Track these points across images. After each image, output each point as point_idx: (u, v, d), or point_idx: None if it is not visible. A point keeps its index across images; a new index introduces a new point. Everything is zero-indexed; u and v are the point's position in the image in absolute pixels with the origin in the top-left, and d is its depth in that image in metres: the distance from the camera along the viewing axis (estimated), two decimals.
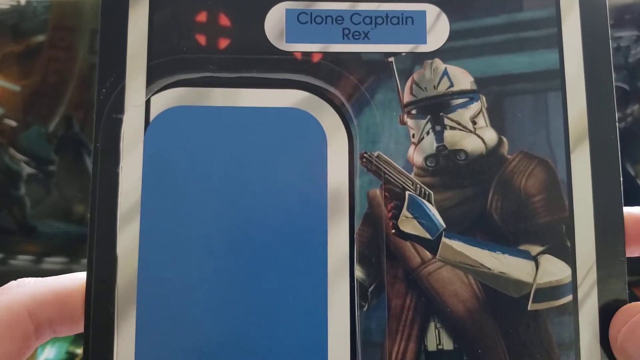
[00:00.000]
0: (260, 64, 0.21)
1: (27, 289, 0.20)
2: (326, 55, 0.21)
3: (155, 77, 0.21)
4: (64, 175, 0.55)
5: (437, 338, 0.20)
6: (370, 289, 0.20)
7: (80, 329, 0.20)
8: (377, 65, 0.21)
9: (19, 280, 0.21)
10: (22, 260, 0.54)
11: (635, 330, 0.19)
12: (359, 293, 0.20)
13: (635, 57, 0.53)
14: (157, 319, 0.20)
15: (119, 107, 0.21)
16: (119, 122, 0.21)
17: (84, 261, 0.54)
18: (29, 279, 0.21)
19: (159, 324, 0.20)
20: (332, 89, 0.21)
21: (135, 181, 0.21)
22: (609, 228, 0.20)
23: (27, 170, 0.54)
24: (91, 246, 0.20)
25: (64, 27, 0.54)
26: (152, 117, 0.21)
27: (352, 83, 0.21)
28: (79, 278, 0.20)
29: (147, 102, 0.21)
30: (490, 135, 0.21)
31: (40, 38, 0.54)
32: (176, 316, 0.20)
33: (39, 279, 0.20)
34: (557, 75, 0.21)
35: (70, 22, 0.54)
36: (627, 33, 0.54)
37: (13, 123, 0.53)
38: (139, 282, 0.20)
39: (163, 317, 0.20)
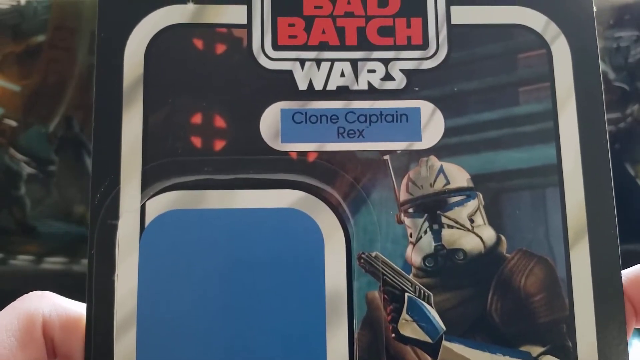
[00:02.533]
0: (256, 164, 0.21)
1: (46, 301, 0.20)
2: (321, 154, 0.21)
3: (150, 180, 0.21)
4: (64, 176, 0.54)
5: None
6: None
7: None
8: (373, 164, 0.21)
9: (44, 292, 0.21)
10: (22, 260, 0.54)
11: None
12: None
13: (635, 57, 0.53)
14: None
15: (114, 213, 0.21)
16: (113, 228, 0.21)
17: (84, 261, 0.54)
18: (52, 294, 0.21)
19: None
20: (328, 188, 0.21)
21: (131, 288, 0.20)
22: (611, 326, 0.20)
23: (27, 170, 0.54)
24: (87, 357, 0.20)
25: (64, 28, 0.54)
26: (147, 221, 0.21)
27: (348, 182, 0.21)
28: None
29: (142, 207, 0.21)
30: (489, 234, 0.21)
31: (41, 38, 0.54)
32: None
33: (61, 297, 0.21)
34: (555, 170, 0.21)
35: (70, 22, 0.54)
36: (627, 33, 0.54)
37: (13, 123, 0.53)
38: None
39: None
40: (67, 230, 0.54)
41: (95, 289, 0.20)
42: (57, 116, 0.53)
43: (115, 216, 0.21)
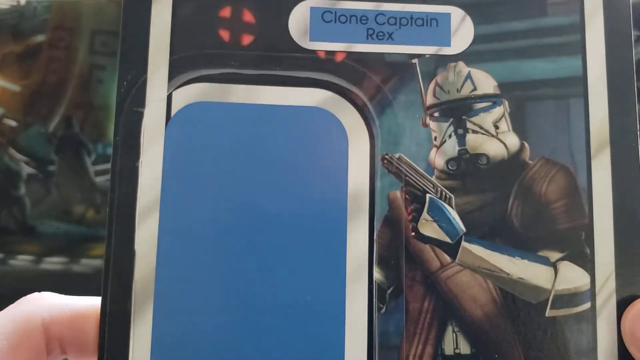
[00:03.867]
0: (283, 61, 0.21)
1: (45, 302, 0.20)
2: (349, 54, 0.21)
3: (177, 71, 0.21)
4: (64, 175, 0.55)
5: (454, 342, 0.20)
6: (388, 292, 0.20)
7: (89, 356, 0.20)
8: (400, 67, 0.21)
9: (42, 293, 0.20)
10: (22, 260, 0.54)
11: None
12: (377, 295, 0.20)
13: (635, 56, 0.53)
14: (174, 316, 0.20)
15: (140, 101, 0.21)
16: (139, 116, 0.20)
17: (84, 261, 0.54)
18: (51, 293, 0.21)
19: (176, 320, 0.20)
20: (354, 89, 0.21)
21: (155, 176, 0.20)
22: (629, 236, 0.20)
23: (27, 170, 0.54)
24: (109, 240, 0.20)
25: (64, 27, 0.54)
26: (173, 111, 0.21)
27: (374, 84, 0.21)
28: (97, 304, 0.20)
29: (169, 97, 0.21)
30: (512, 141, 0.21)
31: (40, 38, 0.54)
32: (193, 313, 0.20)
33: (61, 295, 0.20)
34: (580, 82, 0.21)
35: (70, 22, 0.54)
36: None
37: (13, 123, 0.53)
38: (156, 278, 0.20)
39: (180, 313, 0.20)
40: (67, 230, 0.55)
41: (119, 174, 0.20)
42: (57, 116, 0.54)
43: (142, 104, 0.21)
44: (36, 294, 0.21)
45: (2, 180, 0.54)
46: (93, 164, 0.56)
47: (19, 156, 0.54)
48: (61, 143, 0.55)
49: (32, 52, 0.53)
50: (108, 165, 0.56)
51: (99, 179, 0.56)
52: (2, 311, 0.20)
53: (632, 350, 0.19)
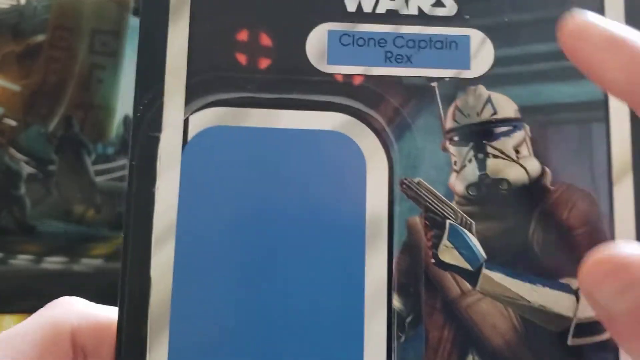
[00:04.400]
0: (301, 85, 0.21)
1: (75, 309, 0.20)
2: (368, 78, 0.21)
3: (194, 95, 0.21)
4: (64, 175, 0.55)
5: None
6: (407, 320, 0.20)
7: None
8: (419, 90, 0.21)
9: (72, 298, 0.20)
10: (22, 260, 0.54)
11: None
12: (396, 324, 0.20)
13: None
14: (190, 343, 0.20)
15: (157, 125, 0.20)
16: (156, 141, 0.20)
17: (84, 261, 0.54)
18: (80, 300, 0.20)
19: (192, 348, 0.19)
20: (372, 113, 0.21)
21: (172, 201, 0.20)
22: None
23: (27, 170, 0.54)
24: (124, 266, 0.20)
25: (64, 27, 0.54)
26: (189, 136, 0.20)
27: (393, 107, 0.21)
28: None
29: (185, 121, 0.20)
30: (534, 166, 0.21)
31: (40, 38, 0.54)
32: (210, 340, 0.20)
33: (90, 303, 0.20)
34: (601, 106, 0.21)
35: (70, 22, 0.54)
36: None
37: (13, 123, 0.53)
38: (172, 304, 0.20)
39: (197, 341, 0.20)
40: (67, 229, 0.54)
41: (134, 200, 0.20)
42: (57, 116, 0.53)
43: (158, 129, 0.20)
44: (67, 298, 0.21)
45: (2, 180, 0.54)
46: (93, 164, 0.56)
47: (19, 156, 0.54)
48: (61, 143, 0.55)
49: (32, 52, 0.53)
50: (108, 165, 0.56)
51: (99, 179, 0.56)
52: (32, 315, 0.20)
53: None
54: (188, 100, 0.20)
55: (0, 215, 0.54)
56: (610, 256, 0.14)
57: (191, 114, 0.20)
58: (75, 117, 0.54)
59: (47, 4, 0.54)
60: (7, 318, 0.48)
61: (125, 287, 0.20)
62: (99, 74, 0.55)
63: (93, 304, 0.21)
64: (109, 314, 0.20)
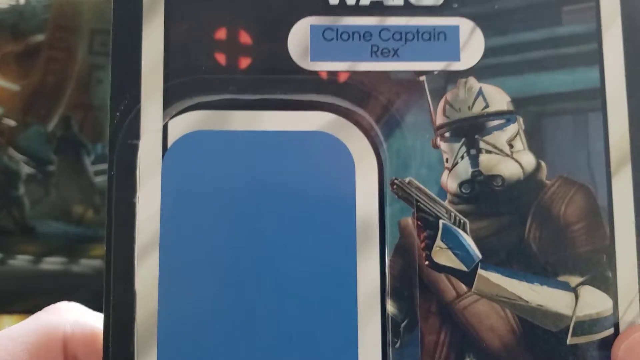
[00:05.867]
0: (284, 84, 0.20)
1: (71, 315, 0.20)
2: (353, 74, 0.20)
3: (173, 99, 0.20)
4: (63, 176, 0.54)
5: None
6: (402, 325, 0.19)
7: None
8: (408, 85, 0.20)
9: (71, 304, 0.20)
10: (21, 260, 0.53)
11: (634, 348, 0.18)
12: (391, 329, 0.19)
13: None
14: (179, 357, 0.19)
15: (135, 132, 0.19)
16: (134, 149, 0.19)
17: (83, 261, 0.54)
18: (78, 305, 0.20)
19: None
20: (359, 111, 0.20)
21: (154, 211, 0.19)
22: None
23: (26, 170, 0.54)
24: (108, 281, 0.19)
25: (64, 27, 0.53)
26: (169, 142, 0.20)
27: (381, 104, 0.20)
28: None
29: (165, 127, 0.20)
30: (528, 160, 0.20)
31: (40, 38, 0.54)
32: (200, 352, 0.19)
33: (87, 309, 0.20)
34: (598, 94, 0.20)
35: (69, 22, 0.54)
36: None
37: (12, 123, 0.53)
38: (159, 317, 0.19)
39: (186, 354, 0.19)
40: (66, 230, 0.54)
41: (115, 212, 0.19)
42: (56, 116, 0.53)
43: (136, 136, 0.19)
44: (64, 303, 0.20)
45: (1, 180, 0.53)
46: (92, 164, 0.55)
47: (18, 156, 0.53)
48: (60, 143, 0.54)
49: (32, 52, 0.53)
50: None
51: (98, 179, 0.55)
52: (27, 319, 0.20)
53: None
54: (166, 105, 0.20)
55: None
56: None
57: (170, 118, 0.20)
58: (74, 118, 0.53)
59: (46, 4, 0.53)
60: (6, 318, 0.48)
61: (110, 302, 0.19)
62: (99, 74, 0.54)
63: (90, 311, 0.20)
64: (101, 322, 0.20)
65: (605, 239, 0.20)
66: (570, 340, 0.19)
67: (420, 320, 0.19)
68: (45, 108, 0.53)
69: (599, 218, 0.20)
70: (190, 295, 0.19)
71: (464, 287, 0.19)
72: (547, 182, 0.20)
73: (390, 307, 0.19)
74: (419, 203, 0.20)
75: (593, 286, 0.19)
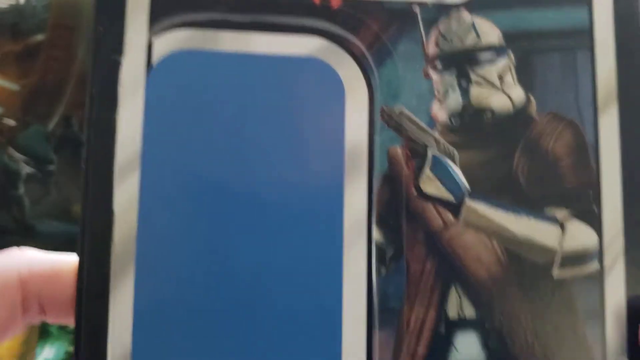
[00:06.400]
0: (276, 6, 0.19)
1: (25, 257, 0.18)
2: (347, 1, 0.20)
3: (159, 15, 0.19)
4: (63, 175, 0.53)
5: (458, 305, 0.19)
6: (388, 253, 0.19)
7: (69, 315, 0.18)
8: (401, 14, 0.20)
9: (23, 248, 0.19)
10: None
11: None
12: (376, 257, 0.19)
13: None
14: (157, 280, 0.18)
15: (118, 48, 0.19)
16: (117, 64, 0.19)
17: None
18: (32, 249, 0.19)
19: (159, 284, 0.18)
20: (351, 38, 0.20)
21: (135, 130, 0.19)
22: (637, 194, 0.20)
23: (26, 169, 0.53)
24: (85, 200, 0.18)
25: (64, 27, 0.53)
26: (154, 60, 0.19)
27: (373, 32, 0.20)
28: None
29: (149, 44, 0.19)
30: (518, 94, 0.20)
31: (40, 37, 0.53)
32: (179, 275, 0.18)
33: (43, 251, 0.19)
34: (587, 33, 0.20)
35: (69, 21, 0.53)
36: None
37: (12, 122, 0.52)
38: (138, 239, 0.18)
39: (164, 277, 0.18)
40: (66, 229, 0.53)
41: (95, 129, 0.18)
42: (56, 115, 0.52)
43: (120, 52, 0.19)
44: (16, 248, 0.19)
45: (1, 179, 0.52)
46: None
47: (17, 155, 0.53)
48: (60, 142, 0.54)
49: (32, 52, 0.52)
50: None
51: None
52: None
53: None
54: (152, 21, 0.19)
55: None
56: None
57: (156, 36, 0.19)
58: (74, 117, 0.53)
59: (46, 4, 0.53)
60: None
61: (86, 223, 0.18)
62: None
63: (43, 251, 0.19)
64: (62, 259, 0.19)
65: (592, 175, 0.20)
66: (556, 273, 0.19)
67: (406, 249, 0.19)
68: (45, 107, 0.53)
69: (586, 154, 0.20)
70: (171, 217, 0.18)
71: (451, 218, 0.19)
72: (536, 117, 0.20)
73: (377, 236, 0.19)
74: (408, 132, 0.19)
75: (579, 220, 0.19)
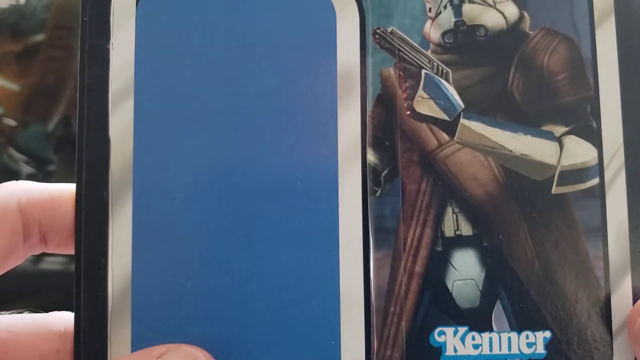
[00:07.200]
0: None
1: (23, 186, 0.18)
2: None
3: None
4: (63, 175, 0.54)
5: (455, 223, 0.19)
6: (383, 174, 0.19)
7: (69, 242, 0.19)
8: None
9: (17, 181, 0.19)
10: None
11: None
12: (371, 178, 0.19)
13: None
14: (155, 204, 0.18)
15: None
16: None
17: None
18: (25, 181, 0.19)
19: (157, 209, 0.18)
20: None
21: (128, 59, 0.19)
22: (637, 107, 0.19)
23: (26, 169, 0.53)
24: (81, 127, 0.19)
25: (63, 27, 0.54)
26: None
27: None
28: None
29: None
30: (511, 10, 0.19)
31: (40, 37, 0.54)
32: (175, 200, 0.18)
33: (35, 182, 0.19)
34: None
35: (69, 21, 0.54)
36: None
37: (12, 122, 0.53)
38: (134, 165, 0.18)
39: (162, 201, 0.18)
40: None
41: (88, 57, 0.19)
42: (56, 115, 0.52)
43: None
44: (12, 181, 0.19)
45: (1, 179, 0.53)
46: None
47: (18, 155, 0.53)
48: (60, 142, 0.54)
49: (32, 52, 0.53)
50: None
51: None
52: None
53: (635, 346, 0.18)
54: None
55: None
56: None
57: None
58: (74, 117, 0.53)
59: (46, 4, 0.53)
60: None
61: (83, 150, 0.19)
62: None
63: (39, 183, 0.19)
64: (62, 187, 0.19)
65: (589, 90, 0.19)
66: (555, 189, 0.19)
67: (401, 170, 0.19)
68: (45, 107, 0.53)
69: (583, 68, 0.19)
70: (167, 142, 0.19)
71: (446, 137, 0.19)
72: (530, 32, 0.19)
73: (371, 157, 0.19)
74: (401, 53, 0.19)
75: (578, 136, 0.19)
